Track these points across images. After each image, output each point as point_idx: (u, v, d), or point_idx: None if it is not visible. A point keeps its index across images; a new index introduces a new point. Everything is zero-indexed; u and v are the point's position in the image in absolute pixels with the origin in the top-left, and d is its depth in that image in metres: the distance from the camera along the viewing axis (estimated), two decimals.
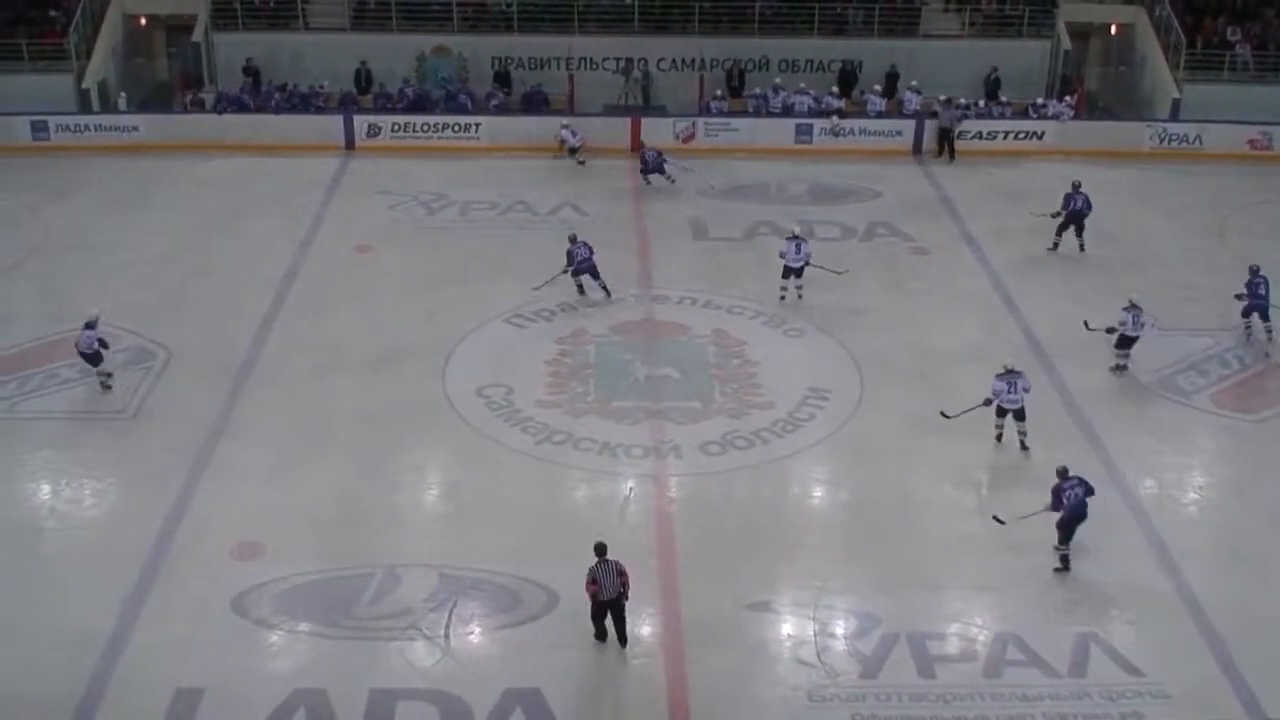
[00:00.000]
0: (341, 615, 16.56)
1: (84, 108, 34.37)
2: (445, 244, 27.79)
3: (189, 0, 36.12)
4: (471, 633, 16.39)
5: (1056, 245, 27.01)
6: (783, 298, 24.85)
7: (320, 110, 34.46)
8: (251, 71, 35.35)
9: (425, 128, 33.84)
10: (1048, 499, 17.51)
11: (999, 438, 20.28)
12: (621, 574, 15.84)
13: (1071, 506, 17.34)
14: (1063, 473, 17.61)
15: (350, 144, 33.42)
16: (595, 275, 24.92)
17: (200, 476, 19.37)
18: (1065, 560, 17.53)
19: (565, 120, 33.13)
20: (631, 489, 19.18)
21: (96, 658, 15.67)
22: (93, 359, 21.49)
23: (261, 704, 14.95)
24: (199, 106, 34.38)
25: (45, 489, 19.51)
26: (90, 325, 21.46)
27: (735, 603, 16.74)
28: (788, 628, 16.51)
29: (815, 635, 16.31)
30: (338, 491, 19.06)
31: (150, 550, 17.63)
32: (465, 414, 21.09)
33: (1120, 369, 22.44)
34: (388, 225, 28.71)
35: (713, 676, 15.62)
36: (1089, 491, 17.44)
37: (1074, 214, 26.80)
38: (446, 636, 16.21)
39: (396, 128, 33.77)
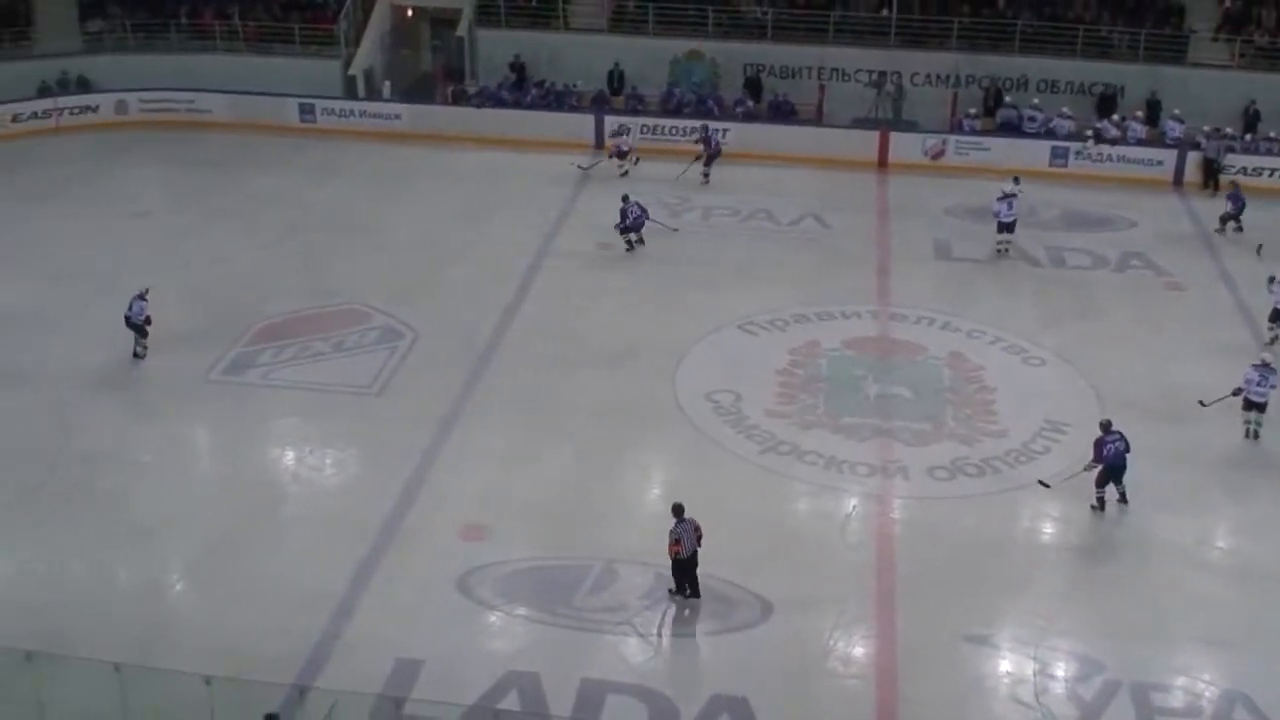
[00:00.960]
0: (559, 603, 16.90)
1: (349, 94, 35.83)
2: (686, 247, 28.02)
3: None
4: (684, 634, 16.54)
5: None
6: (1000, 251, 27.13)
7: (573, 109, 35.15)
8: (517, 68, 36.24)
9: (673, 130, 34.17)
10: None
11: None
12: (698, 530, 16.72)
13: (1110, 458, 18.51)
14: (1106, 425, 18.78)
15: (599, 142, 33.99)
16: (638, 231, 27.39)
17: (436, 456, 20.03)
18: (1101, 503, 18.81)
19: (617, 127, 33.59)
20: (855, 507, 19.04)
21: (325, 621, 16.36)
22: (140, 329, 22.58)
23: (476, 681, 15.36)
24: (460, 99, 35.46)
25: (290, 455, 20.51)
26: (142, 296, 22.55)
27: (953, 633, 16.44)
28: (1006, 664, 16.12)
29: (1034, 675, 15.87)
30: (565, 482, 19.47)
31: (384, 523, 18.32)
32: (693, 417, 21.27)
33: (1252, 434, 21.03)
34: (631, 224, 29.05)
35: (923, 706, 15.40)
36: (1128, 447, 18.55)
37: None
38: (659, 635, 16.40)
39: (645, 129, 34.20)
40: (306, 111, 34.99)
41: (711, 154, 31.58)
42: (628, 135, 32.86)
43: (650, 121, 34.44)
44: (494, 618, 16.79)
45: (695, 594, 16.87)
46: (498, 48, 36.75)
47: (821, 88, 35.86)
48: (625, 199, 27.56)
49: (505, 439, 20.50)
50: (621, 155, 32.27)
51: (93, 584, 17.30)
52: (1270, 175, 32.55)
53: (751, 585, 17.20)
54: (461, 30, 36.87)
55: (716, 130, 32.04)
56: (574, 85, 35.80)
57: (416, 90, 37.62)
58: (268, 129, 34.35)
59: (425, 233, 28.36)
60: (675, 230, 28.32)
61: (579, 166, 29.14)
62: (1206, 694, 15.61)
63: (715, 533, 17.92)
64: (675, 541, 16.55)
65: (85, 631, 15.73)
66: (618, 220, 27.28)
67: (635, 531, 18.42)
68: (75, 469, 19.72)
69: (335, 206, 29.76)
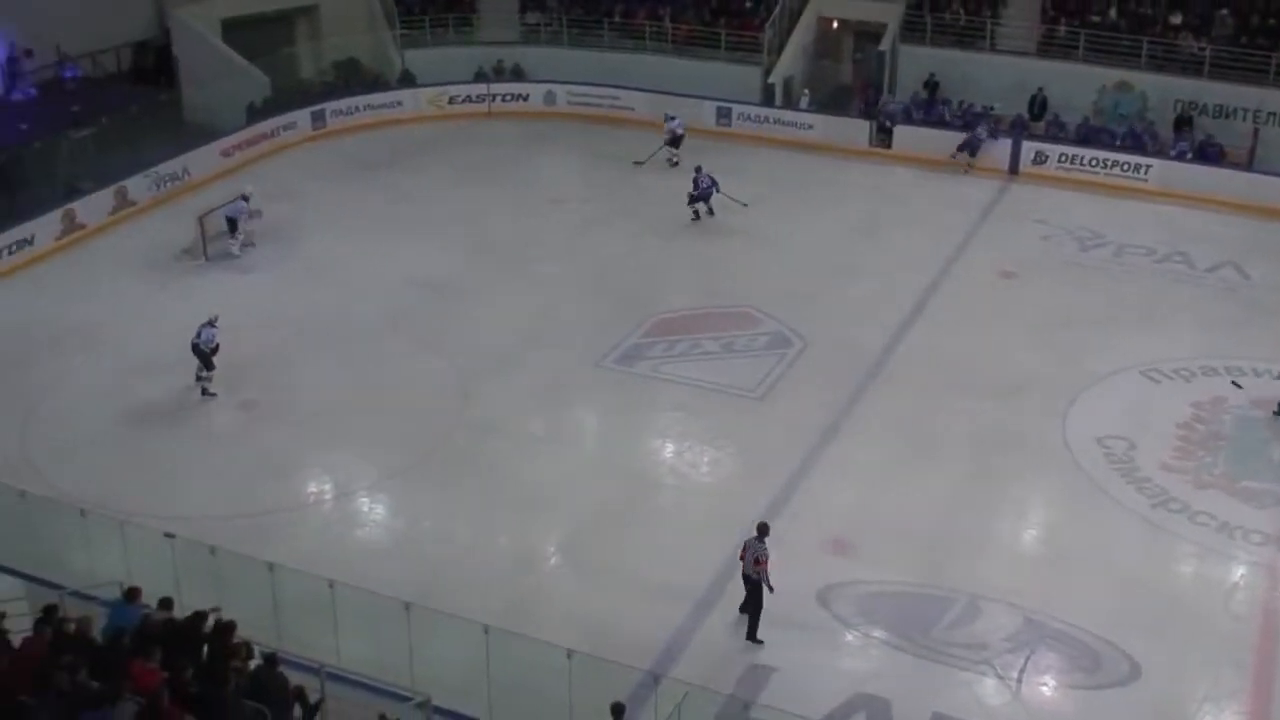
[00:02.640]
0: (917, 632, 16.70)
1: (767, 100, 36.33)
2: (1092, 283, 26.98)
3: (883, 9, 37.14)
4: (1045, 684, 16.02)
5: None
6: None
7: (991, 134, 34.37)
8: (930, 85, 35.89)
9: (1094, 162, 32.91)
10: None
11: None
12: (759, 560, 16.28)
13: None
14: None
15: (1014, 168, 33.16)
16: (707, 201, 28.41)
17: (811, 466, 20.15)
18: None
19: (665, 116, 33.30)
20: (1243, 576, 17.93)
21: (685, 614, 16.77)
22: (205, 358, 21.74)
23: (824, 697, 15.39)
24: (871, 113, 35.37)
25: (670, 448, 21.06)
26: (212, 324, 21.83)
27: None
28: None
29: None
30: (937, 509, 19.19)
31: (752, 525, 18.49)
32: (1080, 459, 20.50)
33: None
34: (1036, 255, 28.26)
35: None
36: None
37: None
38: (1019, 681, 15.93)
39: (1064, 158, 33.10)
40: (723, 115, 35.71)
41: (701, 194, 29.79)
42: (678, 121, 32.84)
43: (1069, 150, 33.32)
44: (850, 636, 16.76)
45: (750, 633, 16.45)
46: (918, 64, 36.38)
47: (1255, 131, 33.70)
48: (698, 169, 28.91)
49: (882, 458, 20.39)
50: (675, 142, 32.22)
51: (474, 546, 18.37)
52: None
53: (1122, 642, 16.49)
54: (884, 44, 36.74)
55: (706, 176, 29.61)
56: (990, 107, 35.05)
57: (833, 101, 37.77)
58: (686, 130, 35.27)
59: (824, 243, 28.45)
60: (745, 205, 28.80)
61: (636, 163, 31.23)
62: None
63: (1091, 584, 17.34)
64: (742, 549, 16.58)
65: (461, 590, 16.69)
66: (690, 190, 28.63)
67: (1006, 570, 18.01)
68: (469, 435, 20.97)
69: (739, 210, 30.28)
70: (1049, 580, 17.79)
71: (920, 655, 16.36)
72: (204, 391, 21.86)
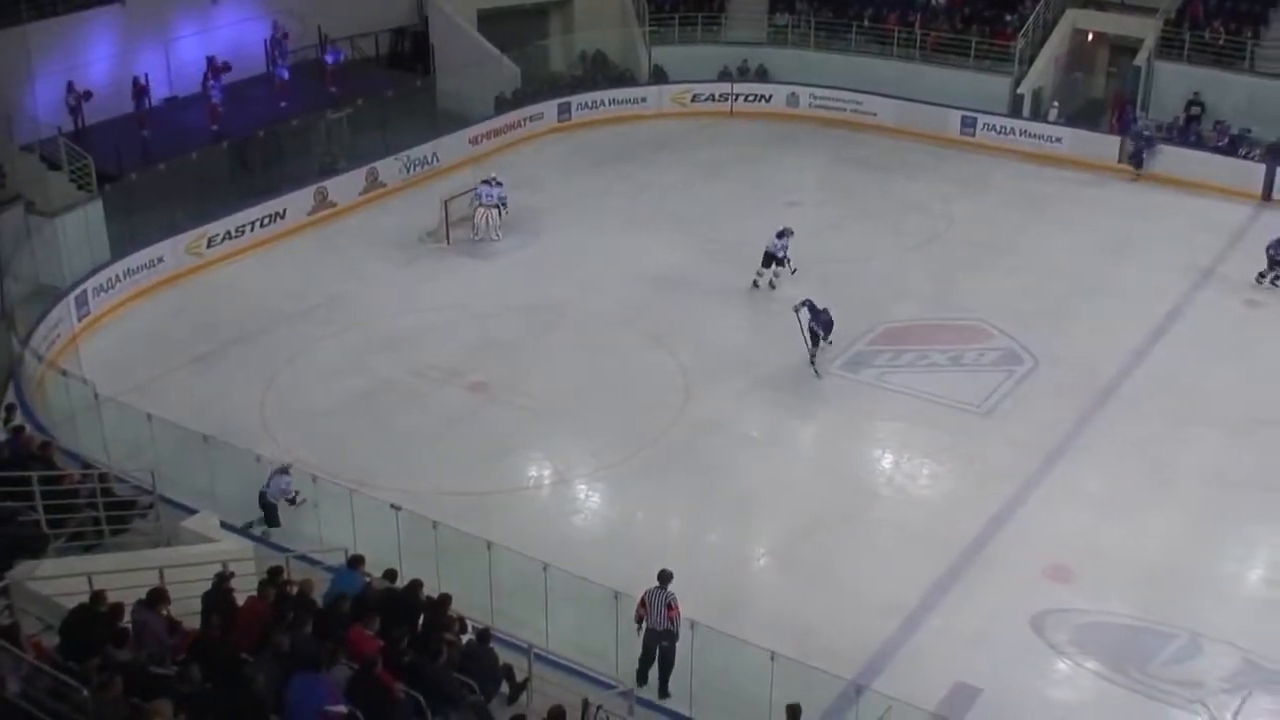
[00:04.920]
0: (1132, 665, 16.27)
1: (1014, 111, 35.62)
2: None
3: (1141, 24, 36.01)
4: None
5: None
6: None
7: (1245, 156, 33.00)
8: (1195, 105, 34.55)
9: None
10: None
11: None
12: (671, 606, 15.06)
13: None
14: None
15: (1269, 194, 31.75)
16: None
17: (1033, 488, 19.76)
18: None
19: None
20: None
21: (894, 627, 16.67)
22: (271, 512, 18.26)
23: None
24: (1124, 130, 34.30)
25: (889, 458, 20.95)
26: (285, 470, 18.32)
27: None
28: None
29: None
30: (1164, 542, 18.64)
31: (969, 543, 18.36)
32: None
33: None
34: None
35: None
36: None
37: None
38: None
39: None
40: (968, 124, 35.16)
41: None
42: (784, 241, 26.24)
43: None
44: (1062, 664, 16.42)
45: (661, 690, 15.31)
46: (1175, 81, 35.13)
47: None
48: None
49: (1108, 485, 19.88)
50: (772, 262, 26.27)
51: (685, 542, 18.59)
52: None
53: None
54: (1140, 60, 35.63)
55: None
56: (1248, 131, 33.59)
57: (1084, 115, 36.79)
58: (927, 138, 34.84)
59: (1063, 261, 27.75)
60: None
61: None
62: None
63: None
64: (641, 604, 15.24)
65: (674, 583, 16.81)
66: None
67: (1230, 610, 17.41)
68: (689, 432, 21.18)
69: (977, 221, 29.82)
70: (1275, 623, 17.08)
71: (1132, 689, 15.94)
72: (263, 536, 17.73)
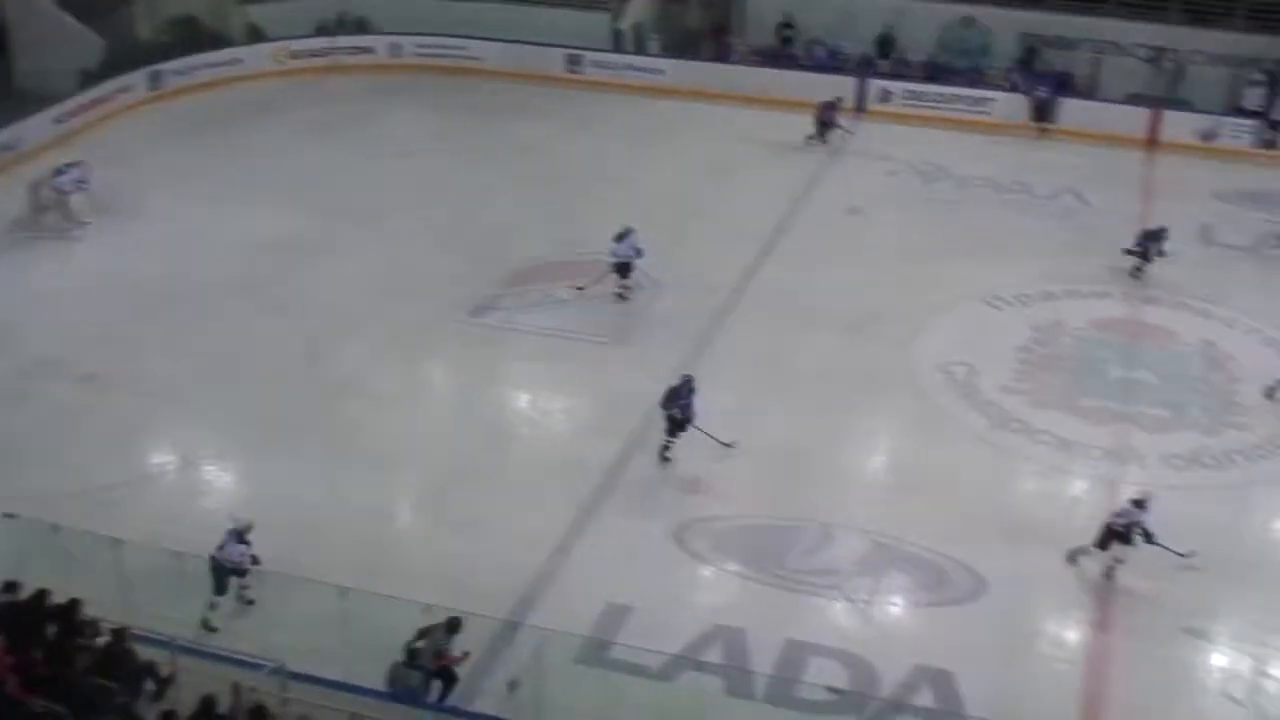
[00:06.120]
0: (771, 563, 17.02)
1: (617, 47, 36.24)
2: (936, 216, 27.56)
3: None
4: (893, 604, 16.51)
5: None
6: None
7: (838, 70, 34.75)
8: (786, 27, 35.98)
9: (938, 98, 33.52)
10: None
11: None
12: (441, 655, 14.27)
13: None
14: None
15: (861, 107, 33.56)
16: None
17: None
18: None
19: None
20: (1085, 492, 18.56)
21: (542, 560, 16.86)
22: (233, 573, 15.71)
23: (682, 631, 15.61)
24: (725, 57, 35.49)
25: (525, 398, 21.15)
26: (241, 538, 15.72)
27: (1170, 623, 16.02)
28: (1220, 659, 15.69)
29: (1249, 672, 15.37)
30: (789, 444, 19.51)
31: (608, 470, 18.73)
32: (925, 386, 21.03)
33: None
34: (882, 191, 28.76)
35: (1132, 694, 15.05)
36: None
37: None
38: (868, 602, 16.35)
39: (909, 95, 33.66)
40: (574, 63, 35.56)
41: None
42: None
43: (914, 87, 33.84)
44: (706, 571, 17.03)
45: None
46: (767, 5, 36.51)
47: (1096, 60, 34.53)
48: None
49: (734, 397, 20.57)
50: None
51: (326, 509, 18.06)
52: None
53: (967, 560, 16.99)
54: None
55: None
56: (840, 47, 35.39)
57: (683, 46, 37.77)
58: (536, 79, 35.04)
59: (675, 189, 28.52)
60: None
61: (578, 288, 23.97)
62: None
63: (937, 505, 17.81)
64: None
65: (315, 552, 16.50)
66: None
67: (855, 498, 18.46)
68: (319, 398, 20.67)
69: (591, 158, 30.26)
70: (897, 505, 18.26)
71: (774, 585, 16.68)
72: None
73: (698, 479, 18.57)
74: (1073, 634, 16.04)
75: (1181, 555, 16.40)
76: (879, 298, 23.68)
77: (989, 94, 33.35)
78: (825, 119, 30.72)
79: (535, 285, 24.10)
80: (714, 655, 15.36)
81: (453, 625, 14.28)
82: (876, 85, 33.81)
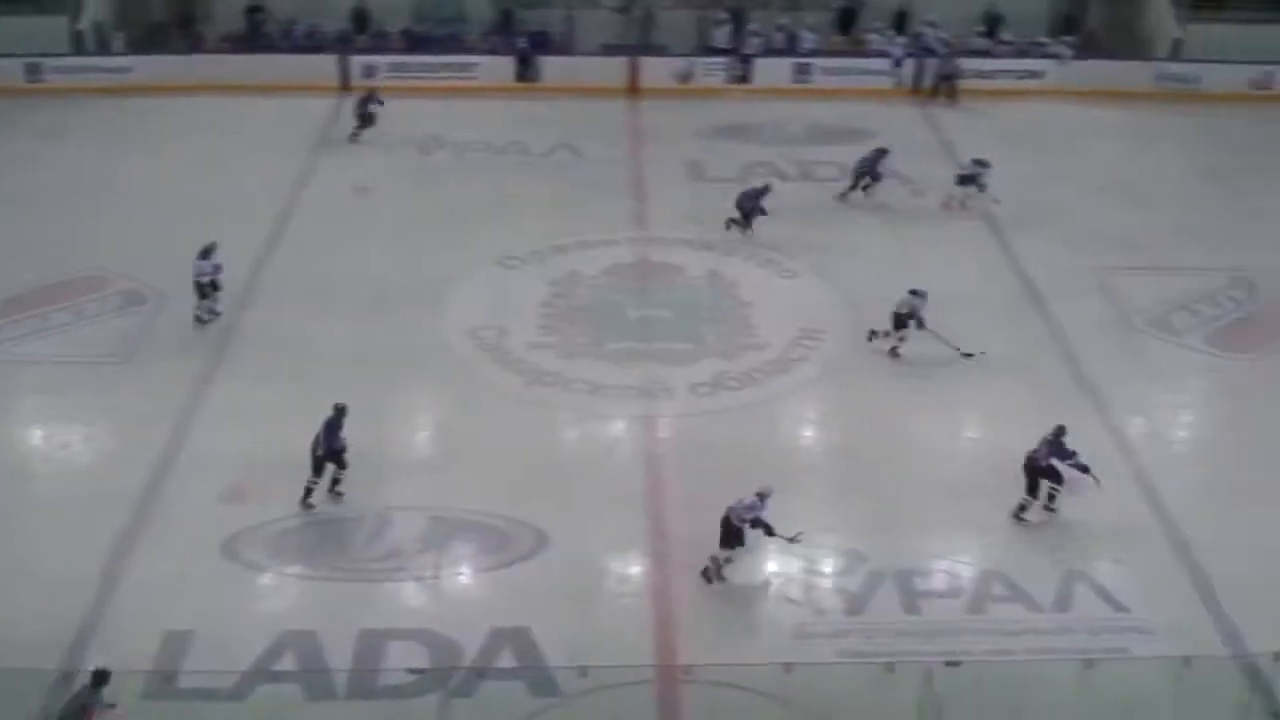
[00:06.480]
0: (332, 557, 16.69)
1: (79, 49, 34.09)
2: (440, 186, 27.67)
3: None
4: (461, 573, 16.58)
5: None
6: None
7: (315, 50, 34.18)
8: (255, 10, 35.00)
9: (422, 68, 33.62)
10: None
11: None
12: None
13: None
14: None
15: (346, 84, 33.16)
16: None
17: (192, 419, 19.43)
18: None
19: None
20: (618, 441, 19.31)
21: (88, 600, 15.76)
22: (204, 290, 21.59)
23: (250, 646, 15.03)
24: (196, 46, 34.17)
25: (37, 433, 19.63)
26: (205, 255, 21.59)
27: None
28: (774, 566, 16.67)
29: (801, 573, 16.48)
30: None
31: (142, 494, 17.70)
32: (458, 356, 21.17)
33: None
34: (382, 167, 28.56)
35: (701, 616, 15.79)
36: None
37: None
38: (436, 577, 16.36)
39: (393, 67, 33.55)
40: (33, 71, 33.11)
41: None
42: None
43: (398, 60, 33.78)
44: (265, 579, 16.48)
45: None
46: None
47: (570, 17, 35.66)
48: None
49: (266, 396, 19.91)
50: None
51: None
52: (1004, 78, 33.84)
53: (525, 517, 17.28)
54: None
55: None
56: (317, 26, 34.77)
57: (150, 41, 35.98)
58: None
59: (163, 189, 26.95)
60: None
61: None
62: (965, 575, 16.41)
63: (488, 469, 17.97)
64: None
65: None
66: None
67: (407, 478, 18.31)
68: None
69: (67, 169, 28.31)
70: (448, 477, 18.26)
71: (339, 579, 16.38)
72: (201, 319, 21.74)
73: (240, 486, 17.87)
74: (635, 569, 16.63)
75: (790, 540, 16.14)
76: (398, 274, 23.52)
77: (472, 59, 33.78)
78: (363, 111, 29.96)
79: (30, 313, 22.32)
80: (288, 663, 14.92)
81: (99, 678, 13.42)
82: (359, 61, 33.48)
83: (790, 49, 34.53)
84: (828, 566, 16.60)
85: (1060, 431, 17.28)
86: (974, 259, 24.70)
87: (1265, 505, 17.80)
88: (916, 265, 23.76)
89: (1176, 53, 34.58)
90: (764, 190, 25.09)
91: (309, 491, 17.59)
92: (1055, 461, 17.18)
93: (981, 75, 33.63)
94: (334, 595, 16.11)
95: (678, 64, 33.85)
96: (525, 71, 33.61)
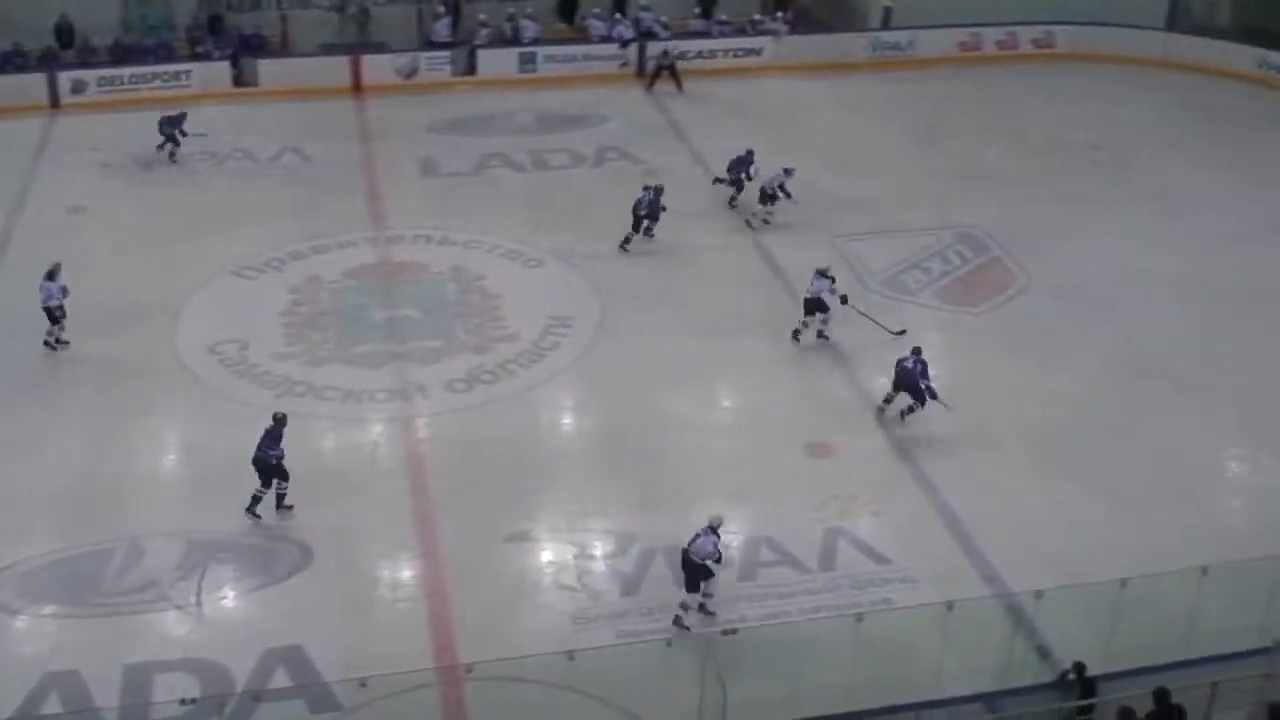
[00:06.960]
0: (88, 593, 16.00)
1: None
2: (164, 199, 26.71)
3: None
4: (225, 597, 16.08)
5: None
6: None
7: (20, 69, 32.48)
8: None
9: (133, 79, 32.35)
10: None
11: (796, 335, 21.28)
12: None
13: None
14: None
15: (55, 102, 31.66)
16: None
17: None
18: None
19: None
20: (377, 444, 19.01)
21: None
22: (53, 314, 20.70)
23: (12, 692, 14.31)
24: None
25: None
26: (51, 276, 20.80)
27: (493, 537, 16.88)
28: (547, 555, 16.78)
29: (574, 559, 16.62)
30: (74, 465, 18.30)
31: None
32: (199, 373, 20.50)
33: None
34: (101, 184, 27.38)
35: (477, 612, 15.73)
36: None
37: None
38: (199, 604, 15.86)
39: (103, 81, 32.18)
40: None
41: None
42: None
43: (109, 73, 32.37)
44: (20, 622, 15.68)
45: None
46: None
47: (283, 17, 34.87)
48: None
49: (1, 432, 18.96)
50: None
51: None
52: (724, 56, 34.62)
53: (288, 532, 16.93)
54: None
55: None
56: (17, 45, 33.00)
57: None
58: None
59: None
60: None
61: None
62: (734, 543, 16.72)
63: (242, 486, 17.40)
64: None
65: None
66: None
67: (157, 503, 17.70)
68: None
69: None
70: (201, 498, 17.67)
71: (97, 615, 15.71)
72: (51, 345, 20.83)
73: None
74: (407, 573, 16.44)
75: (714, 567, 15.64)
76: (128, 294, 22.55)
77: (184, 66, 32.70)
78: (167, 132, 28.47)
79: None
80: (53, 705, 14.23)
81: None
82: (67, 77, 31.98)
83: (515, 39, 34.53)
84: (599, 550, 16.77)
85: (919, 351, 18.88)
86: (718, 234, 25.19)
87: (1004, 450, 18.80)
88: (663, 247, 24.12)
89: (888, 21, 35.93)
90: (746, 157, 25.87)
91: (256, 500, 17.14)
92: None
93: (702, 55, 34.32)
94: (93, 632, 15.46)
95: (400, 60, 33.52)
96: (240, 75, 32.71)
